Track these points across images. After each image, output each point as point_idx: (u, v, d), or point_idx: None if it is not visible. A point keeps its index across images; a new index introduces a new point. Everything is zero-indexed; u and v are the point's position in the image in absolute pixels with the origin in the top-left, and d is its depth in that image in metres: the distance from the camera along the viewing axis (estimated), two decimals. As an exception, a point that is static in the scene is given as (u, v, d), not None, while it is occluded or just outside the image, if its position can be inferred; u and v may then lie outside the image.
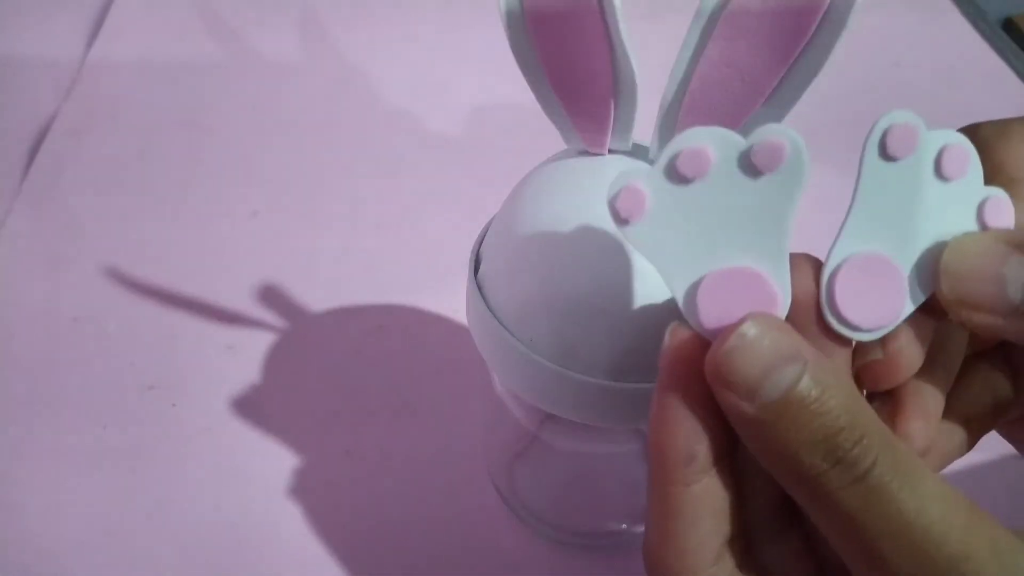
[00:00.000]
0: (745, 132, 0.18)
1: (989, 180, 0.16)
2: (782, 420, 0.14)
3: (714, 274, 0.15)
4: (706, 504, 0.15)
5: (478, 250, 0.23)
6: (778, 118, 0.18)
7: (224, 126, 0.47)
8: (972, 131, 0.17)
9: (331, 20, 0.54)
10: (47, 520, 0.30)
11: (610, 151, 0.21)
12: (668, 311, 0.19)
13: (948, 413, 0.17)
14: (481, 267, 0.22)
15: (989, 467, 0.32)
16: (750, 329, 0.14)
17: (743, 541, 0.16)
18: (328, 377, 0.35)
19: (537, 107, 0.20)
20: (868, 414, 0.14)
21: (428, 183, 0.44)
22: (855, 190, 0.16)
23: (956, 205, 0.16)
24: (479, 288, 0.22)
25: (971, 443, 0.18)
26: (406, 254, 0.40)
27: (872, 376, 0.16)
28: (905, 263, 0.16)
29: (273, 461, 0.32)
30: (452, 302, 0.37)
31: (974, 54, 0.53)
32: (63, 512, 0.30)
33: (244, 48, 0.52)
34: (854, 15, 0.16)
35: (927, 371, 0.17)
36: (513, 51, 0.19)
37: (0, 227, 0.41)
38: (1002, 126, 0.17)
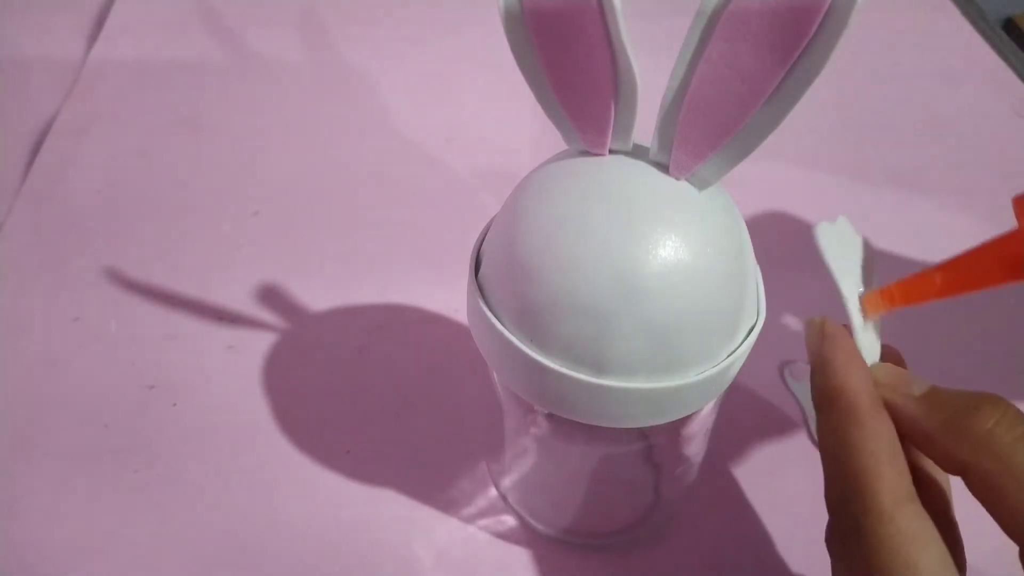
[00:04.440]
0: (745, 133, 0.18)
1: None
2: None
3: None
4: (893, 438, 0.19)
5: (478, 250, 0.23)
6: (778, 118, 0.18)
7: (224, 126, 0.47)
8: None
9: (331, 20, 0.54)
10: (48, 519, 0.30)
11: (610, 151, 0.21)
12: (665, 312, 0.19)
13: None
14: (481, 267, 0.22)
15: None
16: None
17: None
18: (328, 377, 0.35)
19: (537, 107, 0.20)
20: None
21: (428, 183, 0.44)
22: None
23: None
24: (479, 288, 0.22)
25: None
26: (406, 254, 0.40)
27: None
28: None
29: (274, 461, 0.32)
30: (452, 302, 0.37)
31: (974, 54, 0.53)
32: (64, 511, 0.30)
33: (244, 48, 0.52)
34: (855, 15, 0.16)
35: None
36: (513, 52, 0.19)
37: (1, 227, 0.41)
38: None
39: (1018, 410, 0.19)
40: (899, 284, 0.22)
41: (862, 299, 0.22)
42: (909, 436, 0.20)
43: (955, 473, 0.20)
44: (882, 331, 0.23)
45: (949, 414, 0.19)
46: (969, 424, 0.19)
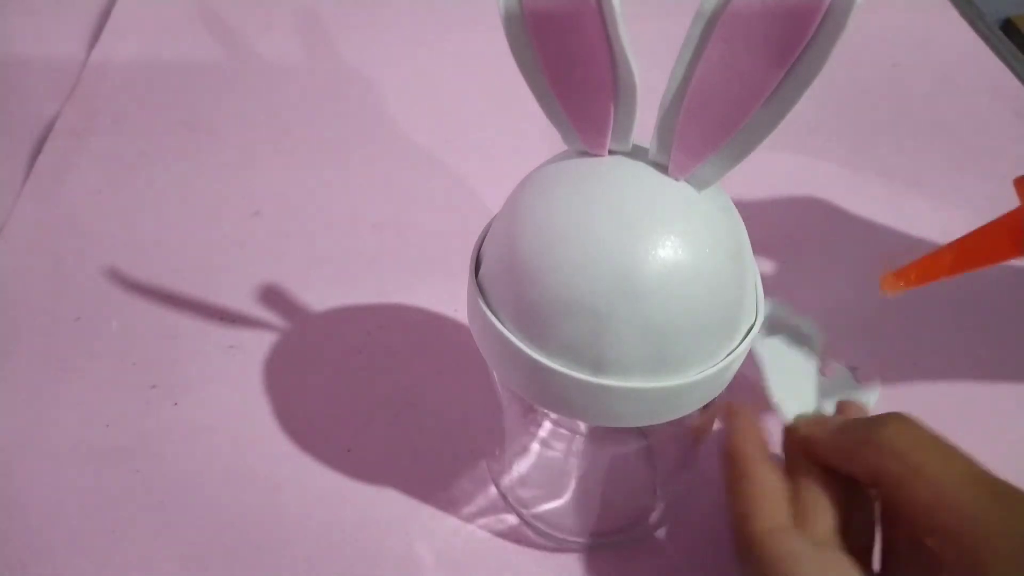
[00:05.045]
0: (745, 133, 0.19)
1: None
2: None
3: None
4: (772, 487, 0.24)
5: (478, 250, 0.23)
6: (777, 119, 0.18)
7: (225, 126, 0.47)
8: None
9: (331, 21, 0.55)
10: (49, 518, 0.30)
11: (610, 152, 0.21)
12: (664, 312, 0.19)
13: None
14: (481, 267, 0.22)
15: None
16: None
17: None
18: (329, 376, 0.35)
19: (537, 108, 0.20)
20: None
21: (428, 183, 0.44)
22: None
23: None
24: (479, 288, 0.22)
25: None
26: (406, 254, 0.40)
27: None
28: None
29: (274, 459, 0.32)
30: (452, 302, 0.37)
31: (972, 55, 0.53)
32: (65, 510, 0.30)
33: (244, 49, 0.52)
34: (853, 16, 0.16)
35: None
36: (512, 52, 0.19)
37: (3, 227, 0.41)
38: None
39: (918, 422, 0.23)
40: (913, 264, 0.24)
41: (882, 278, 0.25)
42: (832, 460, 0.24)
43: (871, 483, 0.23)
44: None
45: (862, 431, 0.23)
46: (877, 434, 0.23)
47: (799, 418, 0.26)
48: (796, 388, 0.27)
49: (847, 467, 0.24)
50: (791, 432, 0.26)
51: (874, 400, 0.34)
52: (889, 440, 0.23)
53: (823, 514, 0.23)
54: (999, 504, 0.20)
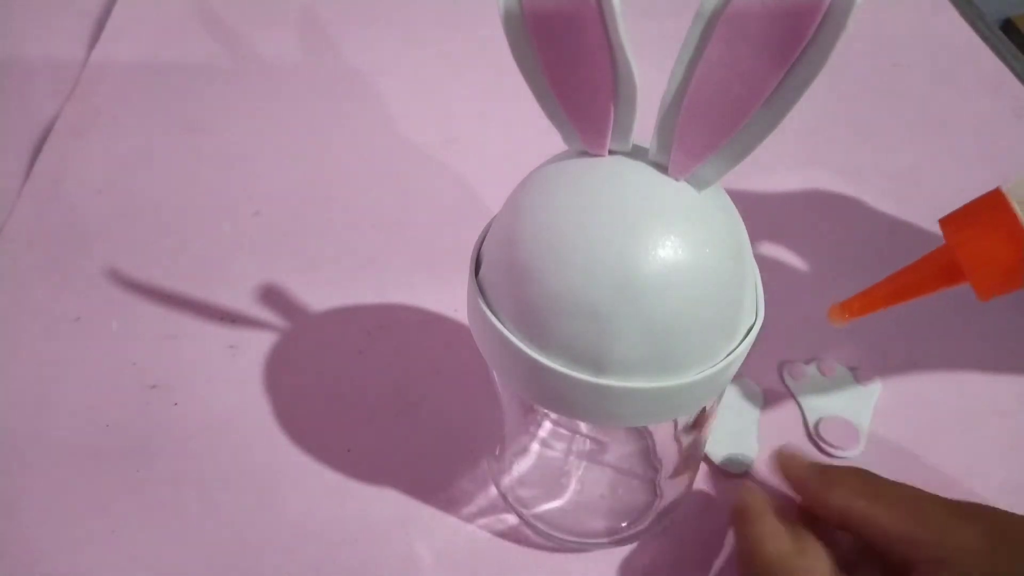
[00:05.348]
0: (744, 134, 0.19)
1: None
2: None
3: None
4: (772, 529, 0.27)
5: (478, 250, 0.23)
6: (777, 119, 0.18)
7: (224, 127, 0.47)
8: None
9: (331, 21, 0.55)
10: (49, 519, 0.30)
11: (610, 152, 0.21)
12: (664, 312, 0.19)
13: None
14: (481, 267, 0.22)
15: None
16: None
17: None
18: (329, 376, 0.35)
19: (537, 108, 0.20)
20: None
21: (428, 183, 0.44)
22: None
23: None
24: (479, 288, 0.22)
25: None
26: (406, 254, 0.40)
27: None
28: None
29: (274, 460, 0.32)
30: (452, 302, 0.37)
31: (972, 55, 0.53)
32: (65, 511, 0.31)
33: (244, 49, 0.52)
34: (853, 16, 0.16)
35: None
36: (512, 52, 0.19)
37: (3, 228, 0.41)
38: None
39: (865, 470, 0.27)
40: (856, 297, 0.27)
41: (829, 311, 0.28)
42: (804, 499, 0.28)
43: (839, 525, 0.27)
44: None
45: (828, 475, 0.28)
46: (841, 479, 0.27)
47: (779, 451, 0.30)
48: (736, 429, 0.32)
49: (819, 509, 0.28)
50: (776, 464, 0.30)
51: (874, 400, 0.34)
52: (850, 481, 0.27)
53: (820, 560, 0.26)
54: (953, 514, 0.25)
